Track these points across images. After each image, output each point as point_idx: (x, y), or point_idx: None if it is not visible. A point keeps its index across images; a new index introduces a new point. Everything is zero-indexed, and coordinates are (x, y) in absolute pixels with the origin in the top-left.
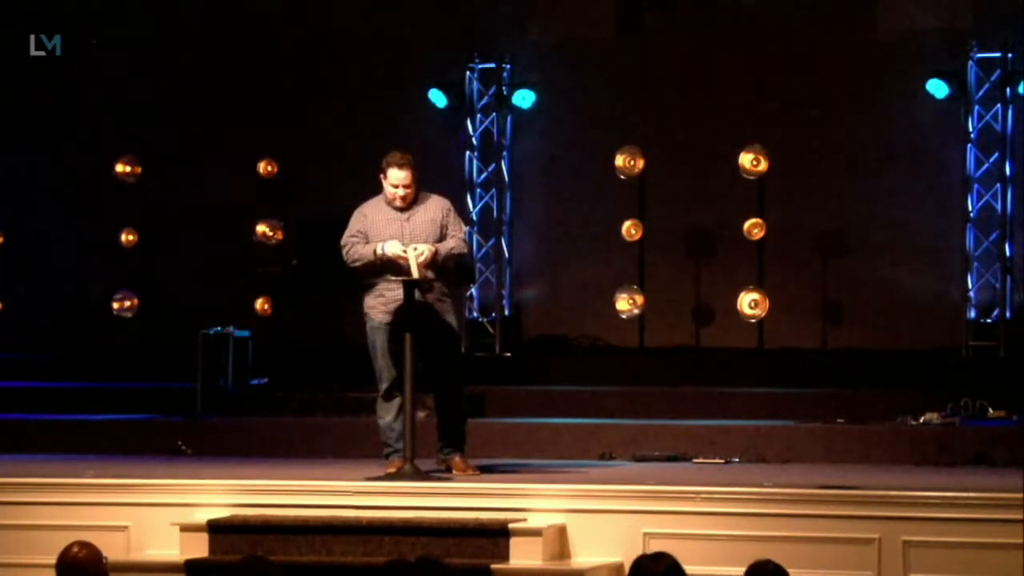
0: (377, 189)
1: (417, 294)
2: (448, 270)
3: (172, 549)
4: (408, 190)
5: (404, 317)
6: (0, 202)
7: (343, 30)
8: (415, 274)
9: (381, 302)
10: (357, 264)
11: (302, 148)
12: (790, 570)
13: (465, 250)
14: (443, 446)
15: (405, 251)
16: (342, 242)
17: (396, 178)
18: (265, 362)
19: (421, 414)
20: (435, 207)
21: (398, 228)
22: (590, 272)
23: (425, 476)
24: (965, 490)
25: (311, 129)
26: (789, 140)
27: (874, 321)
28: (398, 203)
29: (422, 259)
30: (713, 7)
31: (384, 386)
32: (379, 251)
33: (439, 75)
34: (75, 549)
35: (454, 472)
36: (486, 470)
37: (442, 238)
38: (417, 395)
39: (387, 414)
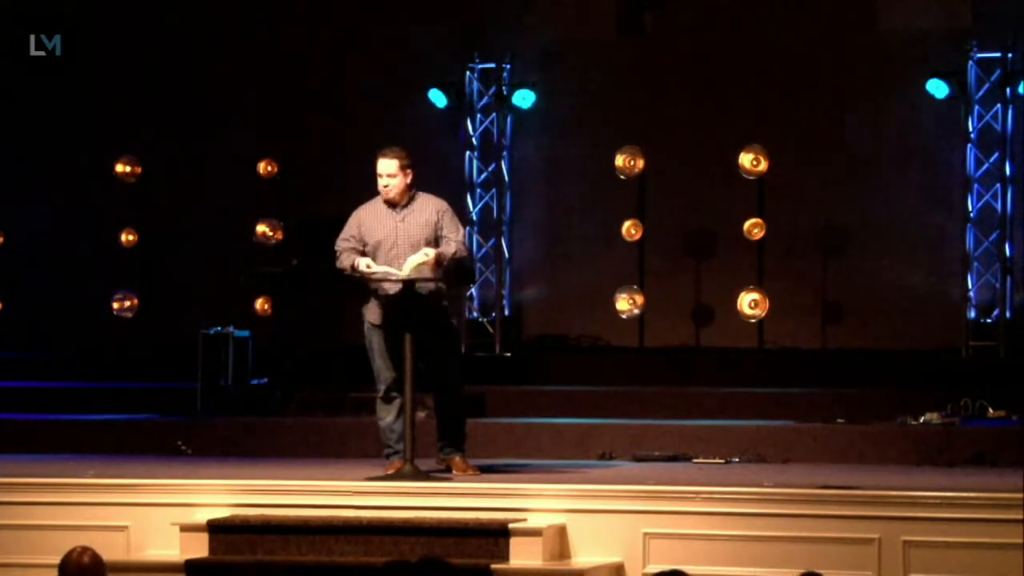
0: (377, 190)
1: (415, 292)
2: (448, 271)
3: (172, 549)
4: (393, 180)
5: (400, 318)
6: (0, 202)
7: (343, 30)
8: (406, 272)
9: (376, 303)
10: (345, 272)
11: (302, 148)
12: (790, 570)
13: (465, 252)
14: (443, 446)
15: (370, 267)
16: (336, 245)
17: (380, 167)
18: (265, 362)
19: (421, 414)
20: (431, 208)
21: (392, 228)
22: (590, 272)
23: (425, 476)
24: (965, 490)
25: (311, 129)
26: (789, 140)
27: (874, 321)
28: (385, 196)
29: (421, 261)
30: (713, 7)
31: (382, 387)
32: (359, 267)
33: (439, 75)
34: (78, 552)
35: (454, 472)
36: (486, 470)
37: (436, 239)
38: (417, 395)
39: (387, 415)
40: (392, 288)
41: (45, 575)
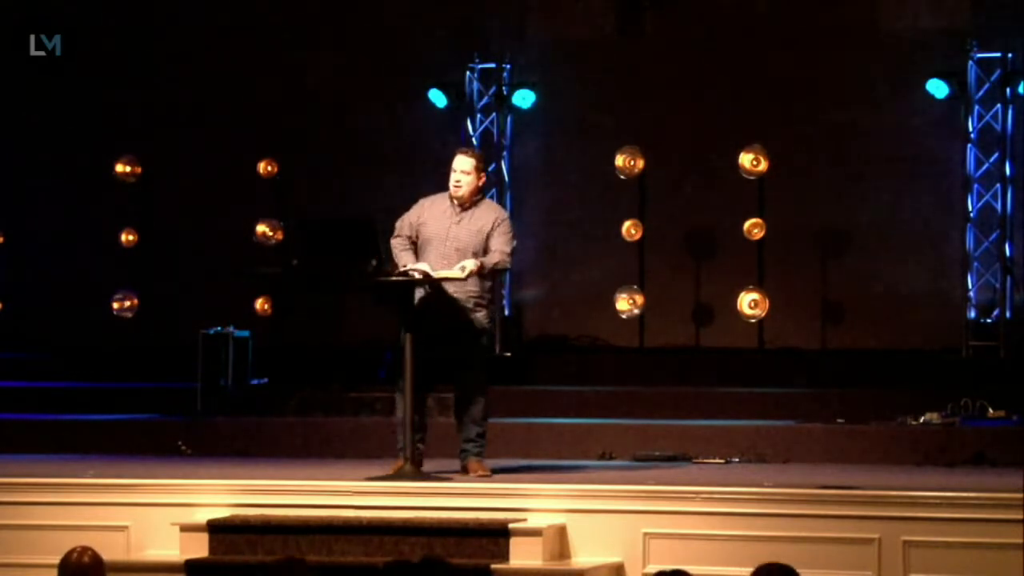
0: (377, 190)
1: (446, 292)
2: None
3: (172, 549)
4: (466, 177)
5: (416, 318)
6: (0, 202)
7: (343, 30)
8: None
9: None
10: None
11: (302, 148)
12: None
13: (507, 264)
14: (462, 448)
15: (422, 272)
16: (396, 224)
17: (456, 163)
18: (265, 362)
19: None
20: (487, 217)
21: (445, 227)
22: (590, 272)
23: (425, 476)
24: (965, 490)
25: (311, 129)
26: (789, 140)
27: (874, 321)
28: (454, 192)
29: (454, 276)
30: (713, 7)
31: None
32: (407, 267)
33: (439, 75)
34: (77, 552)
35: (468, 473)
36: None
37: (484, 247)
38: (430, 394)
39: (402, 412)
40: (421, 289)
41: (45, 575)
